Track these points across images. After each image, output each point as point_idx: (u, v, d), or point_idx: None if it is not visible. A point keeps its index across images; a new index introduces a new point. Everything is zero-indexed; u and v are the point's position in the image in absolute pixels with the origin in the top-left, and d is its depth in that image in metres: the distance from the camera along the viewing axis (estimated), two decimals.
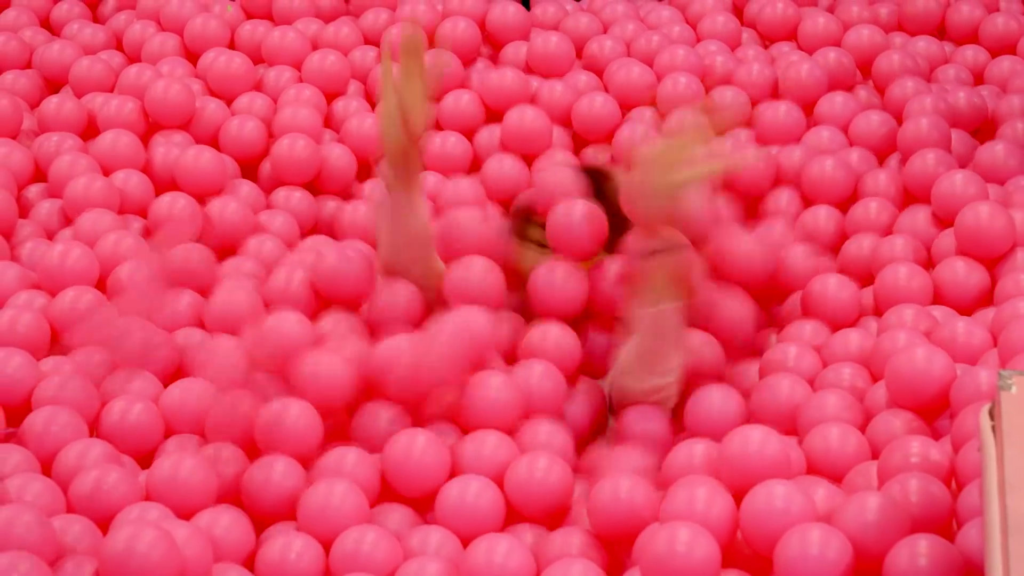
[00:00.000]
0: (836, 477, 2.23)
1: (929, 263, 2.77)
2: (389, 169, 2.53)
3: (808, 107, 3.23)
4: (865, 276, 2.81)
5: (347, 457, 2.26)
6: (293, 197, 3.07)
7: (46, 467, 2.24)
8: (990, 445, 1.74)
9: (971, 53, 3.44)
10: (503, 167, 3.13)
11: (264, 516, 2.22)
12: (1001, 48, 3.44)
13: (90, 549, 2.04)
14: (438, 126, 3.24)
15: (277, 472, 2.23)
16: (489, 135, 3.21)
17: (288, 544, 2.11)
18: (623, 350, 2.49)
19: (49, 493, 2.15)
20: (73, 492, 2.16)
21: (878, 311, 2.72)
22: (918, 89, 3.20)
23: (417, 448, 2.24)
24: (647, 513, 2.14)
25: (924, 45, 3.44)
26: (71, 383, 2.36)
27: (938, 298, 2.69)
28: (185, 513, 2.14)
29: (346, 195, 3.13)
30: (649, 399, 2.47)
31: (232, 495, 2.24)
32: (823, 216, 2.96)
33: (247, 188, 3.05)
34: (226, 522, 2.14)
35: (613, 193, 2.58)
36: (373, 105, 3.28)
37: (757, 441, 2.16)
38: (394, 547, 2.12)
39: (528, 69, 3.35)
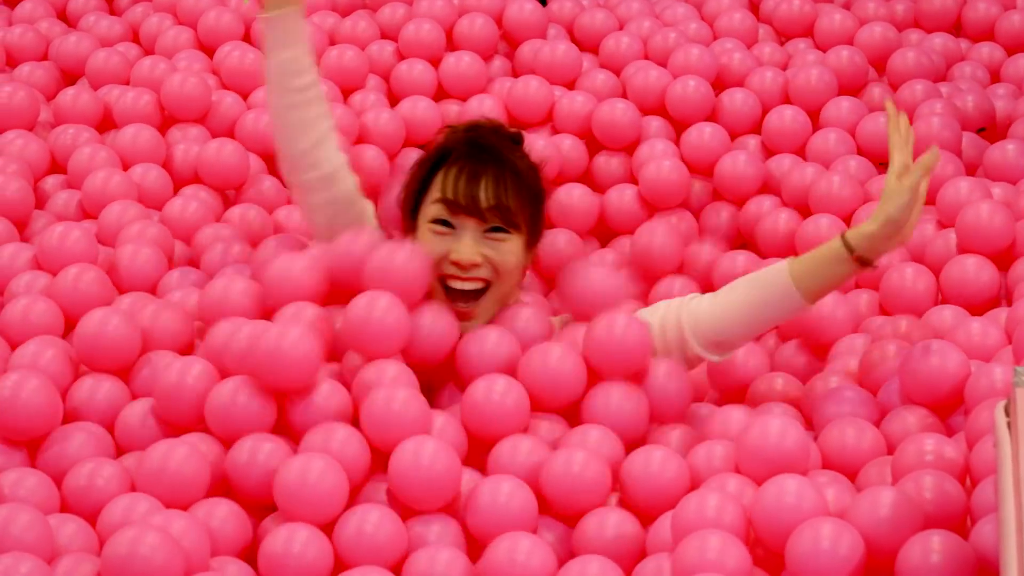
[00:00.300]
0: (851, 473, 2.22)
1: (934, 265, 2.78)
2: None
3: (818, 111, 3.24)
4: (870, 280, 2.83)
5: (336, 433, 2.20)
6: None
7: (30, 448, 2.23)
8: (1005, 442, 1.74)
9: (987, 50, 3.44)
10: None
11: (254, 500, 2.18)
12: (1018, 46, 3.45)
13: (85, 547, 2.03)
14: None
15: (262, 453, 2.18)
16: None
17: (291, 536, 2.07)
18: (696, 306, 2.43)
19: (43, 489, 2.13)
20: (67, 486, 2.14)
21: (885, 312, 2.74)
22: (928, 91, 3.20)
23: (426, 456, 2.15)
24: (678, 485, 2.17)
25: (940, 42, 3.45)
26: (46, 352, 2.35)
27: (947, 298, 2.70)
28: (178, 504, 2.12)
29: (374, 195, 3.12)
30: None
31: (220, 481, 2.21)
32: (824, 225, 2.95)
33: (268, 182, 3.05)
34: (221, 514, 2.12)
35: (522, 158, 2.48)
36: (392, 100, 3.29)
37: (776, 432, 2.16)
38: (399, 529, 2.11)
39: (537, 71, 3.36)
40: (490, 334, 2.35)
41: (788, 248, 2.94)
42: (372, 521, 2.10)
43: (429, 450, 2.14)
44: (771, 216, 3.05)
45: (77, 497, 2.13)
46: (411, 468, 2.13)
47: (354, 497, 2.17)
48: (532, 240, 2.47)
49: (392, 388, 2.22)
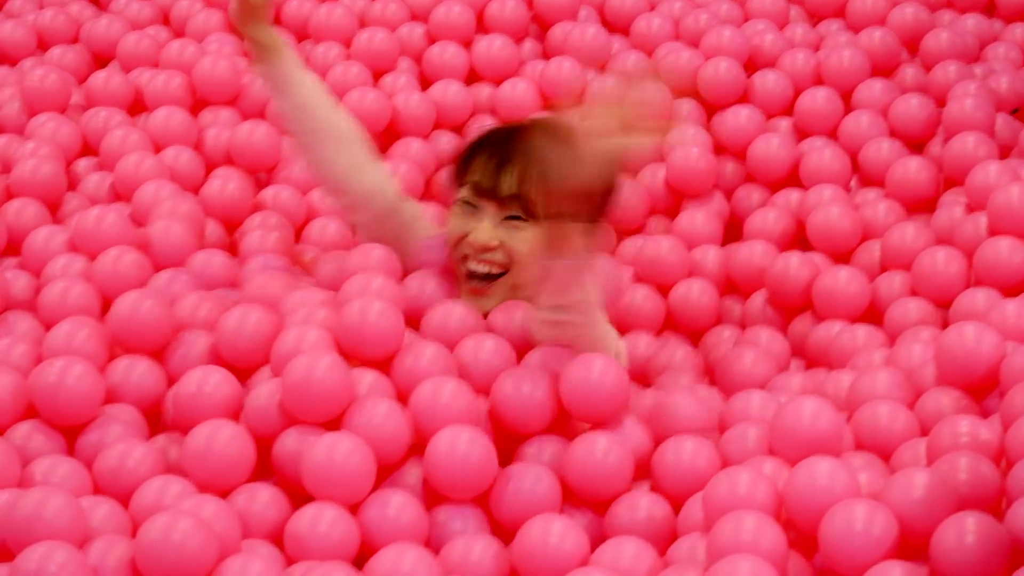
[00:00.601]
0: (884, 455, 2.21)
1: (964, 248, 2.76)
2: (248, 44, 2.51)
3: (851, 92, 3.24)
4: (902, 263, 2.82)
5: (378, 408, 2.18)
6: None
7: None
8: None
9: (1021, 31, 3.43)
10: None
11: (298, 489, 2.17)
12: None
13: (118, 530, 2.02)
14: (493, 112, 3.27)
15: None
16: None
17: (317, 516, 2.07)
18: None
19: (77, 474, 2.12)
20: (98, 468, 2.14)
21: (915, 294, 2.74)
22: (961, 73, 3.19)
23: (462, 445, 2.14)
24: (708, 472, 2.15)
25: (973, 23, 3.44)
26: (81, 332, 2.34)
27: (980, 280, 2.69)
28: (222, 485, 2.12)
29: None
30: (550, 334, 2.32)
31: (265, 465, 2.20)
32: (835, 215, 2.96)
33: (300, 165, 3.04)
34: (264, 498, 2.12)
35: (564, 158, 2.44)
36: (423, 82, 3.29)
37: (810, 413, 2.15)
38: (420, 515, 2.11)
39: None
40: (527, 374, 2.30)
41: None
42: (394, 505, 2.10)
43: (465, 439, 2.14)
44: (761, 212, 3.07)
45: (109, 479, 2.13)
46: (447, 456, 2.13)
47: (391, 475, 2.18)
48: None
49: (441, 379, 2.22)
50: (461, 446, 2.13)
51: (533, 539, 2.04)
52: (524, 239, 2.41)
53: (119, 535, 2.00)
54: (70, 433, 2.22)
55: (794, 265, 2.86)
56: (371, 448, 2.13)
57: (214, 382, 2.25)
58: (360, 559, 2.05)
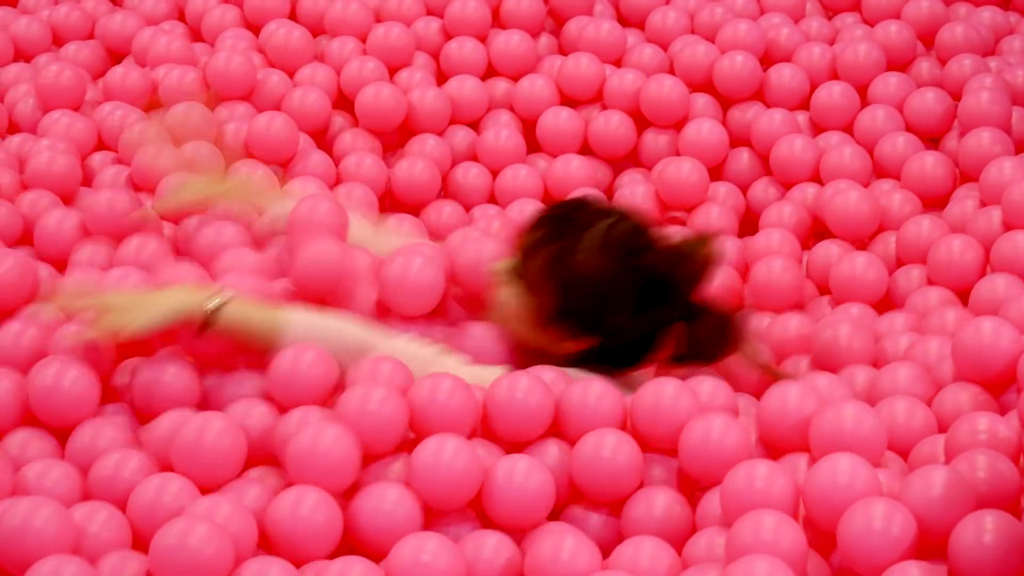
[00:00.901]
0: (902, 451, 2.21)
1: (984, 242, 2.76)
2: None
3: (866, 86, 3.24)
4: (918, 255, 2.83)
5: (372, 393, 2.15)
6: (364, 163, 3.09)
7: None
8: None
9: None
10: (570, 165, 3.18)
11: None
12: None
13: (116, 533, 2.00)
14: (510, 107, 3.28)
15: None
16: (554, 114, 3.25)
17: (299, 499, 2.05)
18: None
19: (68, 480, 2.10)
20: (93, 476, 2.11)
21: (931, 282, 2.75)
22: (977, 66, 3.19)
23: (447, 455, 2.09)
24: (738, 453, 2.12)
25: (989, 16, 3.43)
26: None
27: (995, 270, 2.69)
28: (214, 481, 2.10)
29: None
30: None
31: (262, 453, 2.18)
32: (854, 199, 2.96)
33: (317, 157, 3.07)
34: (254, 494, 2.09)
35: (589, 251, 2.35)
36: (438, 76, 3.29)
37: (852, 416, 2.12)
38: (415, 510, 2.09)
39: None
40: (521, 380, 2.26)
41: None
42: (390, 499, 2.07)
43: (450, 449, 2.10)
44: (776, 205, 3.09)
45: (104, 484, 2.10)
46: (431, 466, 2.09)
47: (379, 461, 2.16)
48: (547, 317, 2.37)
49: (438, 377, 2.21)
50: (445, 456, 2.09)
51: (544, 554, 1.99)
52: (505, 290, 2.40)
53: (126, 546, 1.99)
54: (65, 435, 2.21)
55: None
56: (360, 434, 2.11)
57: (172, 372, 2.24)
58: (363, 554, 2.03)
